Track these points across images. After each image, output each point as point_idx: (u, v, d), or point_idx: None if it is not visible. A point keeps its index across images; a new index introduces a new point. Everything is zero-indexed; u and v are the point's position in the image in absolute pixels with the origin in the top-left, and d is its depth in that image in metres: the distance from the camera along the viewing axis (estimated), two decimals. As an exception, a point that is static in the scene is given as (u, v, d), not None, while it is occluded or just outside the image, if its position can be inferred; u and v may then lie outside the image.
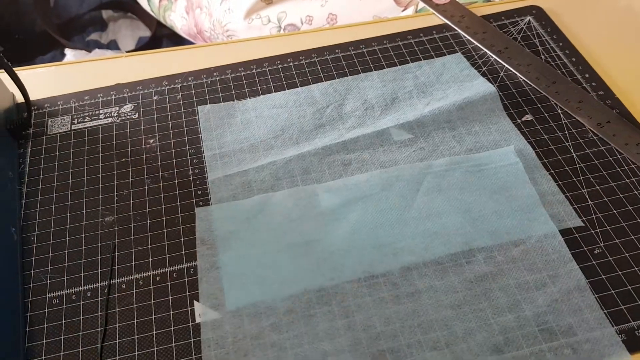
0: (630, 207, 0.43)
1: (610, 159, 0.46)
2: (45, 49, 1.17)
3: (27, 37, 1.20)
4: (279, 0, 0.85)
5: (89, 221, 0.45)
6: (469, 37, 0.57)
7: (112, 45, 1.21)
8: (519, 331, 0.37)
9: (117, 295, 0.41)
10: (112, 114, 0.52)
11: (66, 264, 0.43)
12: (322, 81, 0.54)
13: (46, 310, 0.40)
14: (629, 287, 0.39)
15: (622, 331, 0.37)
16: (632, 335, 0.37)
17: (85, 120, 0.52)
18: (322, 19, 0.81)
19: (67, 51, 1.07)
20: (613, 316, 0.38)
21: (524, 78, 0.53)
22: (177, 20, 1.02)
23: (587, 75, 0.53)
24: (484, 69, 0.54)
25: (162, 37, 1.20)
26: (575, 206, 0.44)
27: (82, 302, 0.40)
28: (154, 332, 0.39)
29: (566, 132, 0.49)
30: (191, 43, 1.05)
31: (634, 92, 0.52)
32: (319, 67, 0.56)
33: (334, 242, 0.43)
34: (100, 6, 1.25)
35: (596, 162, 0.46)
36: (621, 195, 0.44)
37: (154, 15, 1.10)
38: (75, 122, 0.52)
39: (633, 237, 0.42)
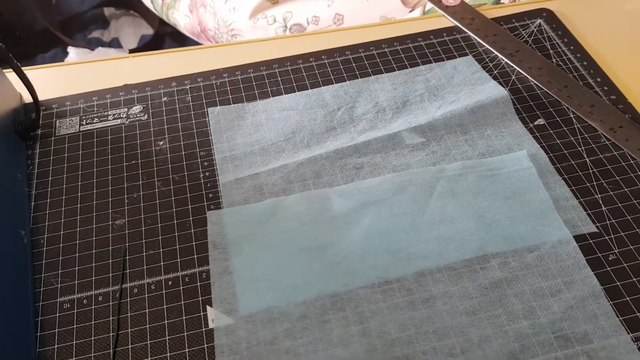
0: (644, 213, 0.43)
1: (624, 164, 0.46)
2: (46, 47, 1.16)
3: (28, 35, 1.19)
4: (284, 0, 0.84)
5: (100, 224, 0.45)
6: (479, 40, 0.57)
7: (114, 43, 1.20)
8: (535, 338, 0.37)
9: (129, 299, 0.40)
10: (121, 115, 0.52)
11: (77, 268, 0.42)
12: (333, 83, 0.54)
13: (57, 314, 0.40)
14: (644, 294, 0.39)
15: (637, 338, 0.37)
16: (648, 342, 0.37)
17: (94, 121, 0.52)
18: (329, 19, 0.80)
19: (70, 49, 1.07)
20: (629, 323, 0.38)
21: (535, 82, 0.52)
22: (181, 18, 1.02)
23: (598, 79, 0.53)
24: (495, 72, 0.54)
25: (164, 35, 1.20)
26: (589, 212, 0.43)
27: (93, 307, 0.40)
28: (167, 338, 0.38)
29: (579, 136, 0.48)
30: (195, 42, 1.05)
31: (646, 96, 0.51)
32: (329, 69, 0.55)
33: (347, 247, 0.42)
34: (102, 3, 1.25)
35: (609, 167, 0.46)
36: (635, 201, 0.44)
37: (157, 13, 1.10)
38: (84, 123, 0.52)
39: (647, 243, 0.42)
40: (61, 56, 1.13)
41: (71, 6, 1.25)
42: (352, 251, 0.42)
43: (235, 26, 0.89)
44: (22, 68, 0.49)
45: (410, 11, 0.76)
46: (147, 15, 1.22)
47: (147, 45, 1.18)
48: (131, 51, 1.16)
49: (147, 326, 0.39)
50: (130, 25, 1.23)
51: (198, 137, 0.50)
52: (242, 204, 0.45)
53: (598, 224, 0.43)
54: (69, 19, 1.24)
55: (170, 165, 0.48)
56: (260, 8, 0.86)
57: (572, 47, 0.56)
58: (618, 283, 0.40)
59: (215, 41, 0.95)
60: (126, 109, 0.53)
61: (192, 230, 0.44)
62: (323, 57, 0.56)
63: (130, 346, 0.38)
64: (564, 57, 0.55)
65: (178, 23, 1.04)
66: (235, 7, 0.88)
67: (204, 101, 0.53)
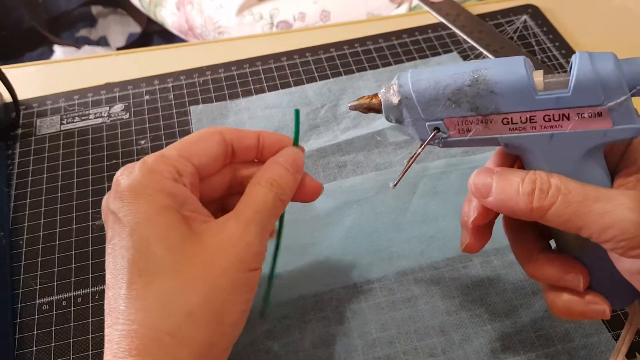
0: (627, 211, 0.43)
1: (607, 161, 0.46)
2: (33, 45, 1.15)
3: (15, 33, 1.18)
4: (271, -4, 0.84)
5: (79, 224, 0.44)
6: (464, 36, 0.57)
7: (102, 42, 1.20)
8: (516, 337, 0.37)
9: (108, 301, 0.40)
10: (103, 114, 0.52)
11: (56, 269, 0.42)
12: (317, 81, 0.53)
13: (36, 316, 0.39)
14: (626, 292, 0.39)
15: (618, 337, 0.37)
16: (629, 341, 0.37)
17: (75, 120, 0.51)
18: (315, 15, 0.80)
19: (56, 47, 1.06)
20: (609, 322, 0.38)
21: (519, 78, 0.52)
22: (168, 16, 1.01)
23: (583, 76, 0.52)
24: (479, 69, 0.53)
25: (152, 33, 1.19)
26: (572, 209, 0.43)
27: (72, 308, 0.40)
28: (146, 339, 0.38)
29: (562, 133, 0.48)
30: (182, 39, 1.04)
31: (630, 93, 0.51)
32: (313, 67, 0.55)
33: (329, 246, 0.42)
34: (89, 1, 1.24)
35: (593, 164, 0.46)
36: (618, 198, 0.44)
37: (144, 11, 1.09)
38: (65, 122, 0.51)
39: (630, 240, 0.41)
40: (48, 54, 1.12)
41: (58, 4, 1.24)
42: (334, 251, 0.42)
43: (222, 23, 0.89)
44: (3, 67, 0.49)
45: (396, 7, 0.75)
46: (135, 13, 1.21)
47: (135, 43, 1.17)
48: (118, 49, 1.16)
49: (127, 328, 0.39)
50: (117, 23, 1.22)
51: (180, 135, 0.49)
52: (224, 204, 0.45)
53: (581, 222, 0.42)
54: (56, 17, 1.23)
55: (151, 165, 0.47)
56: (246, 5, 0.85)
57: (557, 44, 0.56)
58: (600, 281, 0.39)
59: (202, 39, 0.95)
60: (108, 108, 0.52)
61: (173, 231, 0.43)
62: (307, 54, 0.56)
63: (109, 348, 0.38)
64: (549, 54, 0.55)
65: (165, 21, 1.03)
66: (221, 5, 0.88)
67: (187, 99, 0.52)
